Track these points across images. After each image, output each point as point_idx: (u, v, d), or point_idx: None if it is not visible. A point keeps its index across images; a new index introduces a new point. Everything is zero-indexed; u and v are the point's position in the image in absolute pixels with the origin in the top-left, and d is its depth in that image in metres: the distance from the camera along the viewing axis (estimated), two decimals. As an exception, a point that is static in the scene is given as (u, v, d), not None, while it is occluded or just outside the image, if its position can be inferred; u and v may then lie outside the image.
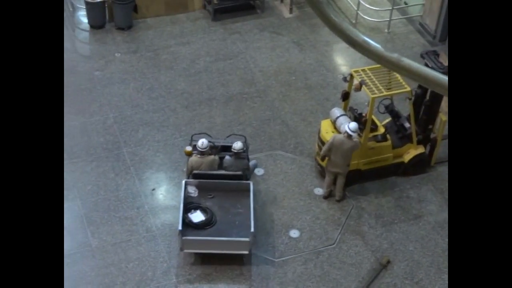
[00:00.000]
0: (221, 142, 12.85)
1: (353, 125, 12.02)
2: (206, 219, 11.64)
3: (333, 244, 12.08)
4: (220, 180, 12.13)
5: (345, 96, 13.13)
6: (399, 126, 13.21)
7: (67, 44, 16.36)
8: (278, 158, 13.67)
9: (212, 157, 12.20)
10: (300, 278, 11.49)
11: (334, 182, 12.69)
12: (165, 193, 12.86)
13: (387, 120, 13.43)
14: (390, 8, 17.25)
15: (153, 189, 12.82)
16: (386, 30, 17.40)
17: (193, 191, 12.10)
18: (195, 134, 13.16)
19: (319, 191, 12.96)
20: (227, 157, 12.36)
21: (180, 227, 11.24)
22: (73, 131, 13.94)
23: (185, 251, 11.52)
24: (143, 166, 13.33)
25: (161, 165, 13.34)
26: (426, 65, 12.06)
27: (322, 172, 12.96)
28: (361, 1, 17.33)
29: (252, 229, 11.34)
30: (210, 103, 14.83)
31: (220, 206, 11.97)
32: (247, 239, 11.36)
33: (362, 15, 17.49)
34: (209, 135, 12.99)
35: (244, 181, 12.16)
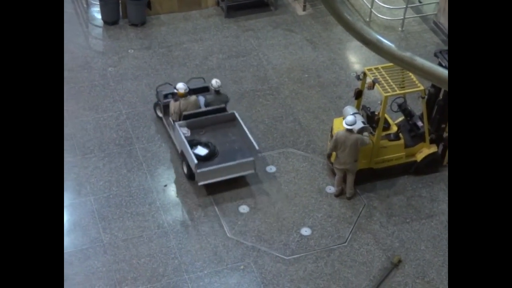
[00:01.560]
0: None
1: (349, 118, 12.03)
2: (211, 151, 12.65)
3: (344, 242, 12.06)
4: (207, 116, 13.18)
5: (358, 94, 13.09)
6: (412, 125, 13.16)
7: (80, 40, 16.43)
8: (290, 156, 13.66)
9: (194, 97, 13.30)
10: (311, 276, 11.48)
11: (344, 179, 12.67)
12: (177, 190, 12.88)
13: (400, 119, 13.39)
14: (404, 6, 17.18)
15: (165, 186, 12.87)
16: (400, 29, 17.33)
17: (186, 131, 12.91)
18: (159, 85, 14.30)
19: (331, 189, 12.94)
20: (200, 96, 13.48)
21: (195, 161, 12.16)
22: (86, 126, 14.00)
23: (200, 183, 12.44)
24: (155, 163, 13.36)
25: (173, 162, 13.36)
26: (440, 64, 12.01)
27: (333, 170, 12.93)
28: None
29: (257, 147, 12.67)
30: (222, 100, 14.83)
31: (214, 139, 13.00)
32: (252, 158, 12.65)
33: (376, 13, 17.43)
34: (170, 84, 14.05)
35: (229, 112, 13.38)
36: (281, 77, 15.62)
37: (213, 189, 12.80)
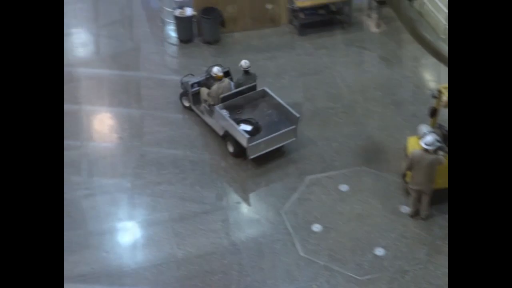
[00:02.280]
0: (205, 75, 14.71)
1: (429, 138, 11.80)
2: (255, 126, 13.50)
3: (420, 264, 11.80)
4: (242, 95, 14.01)
5: (433, 113, 12.86)
6: (489, 145, 12.82)
7: (156, 58, 16.77)
8: (363, 175, 13.51)
9: (226, 79, 14.14)
10: (385, 298, 11.29)
11: (419, 200, 12.43)
12: (250, 207, 12.91)
13: (477, 138, 13.06)
14: (481, 23, 16.82)
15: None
16: (476, 46, 16.97)
17: (225, 112, 13.64)
18: (183, 76, 15.00)
19: (405, 209, 12.72)
20: (227, 79, 14.20)
21: (247, 135, 13.07)
22: (161, 143, 14.22)
23: (251, 157, 13.37)
24: (228, 179, 13.43)
25: (246, 179, 13.41)
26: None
27: (408, 190, 12.69)
28: (451, 16, 16.98)
29: (297, 115, 13.51)
30: (295, 117, 14.83)
31: (253, 115, 13.90)
32: (294, 126, 13.56)
33: (452, 30, 17.12)
34: (193, 75, 15.01)
35: (260, 89, 14.19)
36: (354, 95, 15.51)
37: (286, 207, 12.78)
